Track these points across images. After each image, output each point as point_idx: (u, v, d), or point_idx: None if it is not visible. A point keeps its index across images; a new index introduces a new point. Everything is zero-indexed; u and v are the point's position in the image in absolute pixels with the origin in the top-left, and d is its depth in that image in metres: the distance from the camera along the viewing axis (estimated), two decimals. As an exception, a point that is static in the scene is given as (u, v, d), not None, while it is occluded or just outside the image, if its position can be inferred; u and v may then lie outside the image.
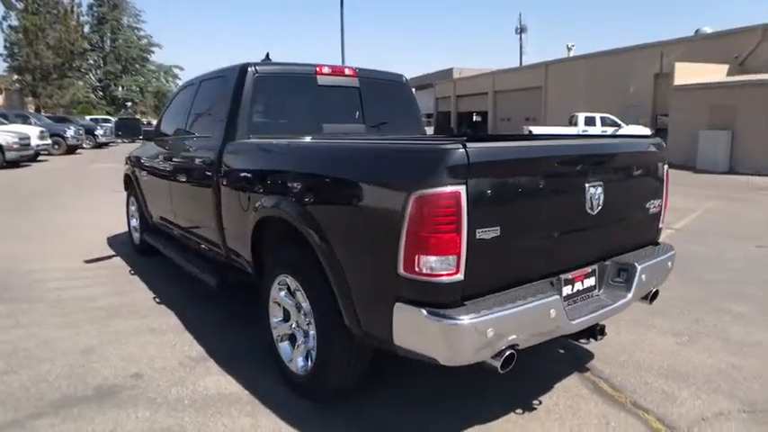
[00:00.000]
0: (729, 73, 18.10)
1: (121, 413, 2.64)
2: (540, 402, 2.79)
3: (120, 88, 53.39)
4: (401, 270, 2.02)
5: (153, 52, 55.64)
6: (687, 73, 17.82)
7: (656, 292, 2.87)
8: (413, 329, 2.07)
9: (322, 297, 2.50)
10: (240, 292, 4.12)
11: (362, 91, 4.10)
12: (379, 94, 4.20)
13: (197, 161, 3.77)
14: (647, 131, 19.38)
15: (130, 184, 5.77)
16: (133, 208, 5.89)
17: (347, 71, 4.04)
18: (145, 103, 53.69)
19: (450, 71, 42.95)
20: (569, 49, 34.79)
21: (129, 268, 5.25)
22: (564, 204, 2.38)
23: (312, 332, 2.70)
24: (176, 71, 57.12)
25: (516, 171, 2.13)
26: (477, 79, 38.84)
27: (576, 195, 2.40)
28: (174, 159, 4.30)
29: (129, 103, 53.42)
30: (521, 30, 47.00)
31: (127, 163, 5.88)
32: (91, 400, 2.76)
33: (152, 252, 5.56)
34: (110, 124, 27.62)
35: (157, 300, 4.32)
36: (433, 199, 1.93)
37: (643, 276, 2.67)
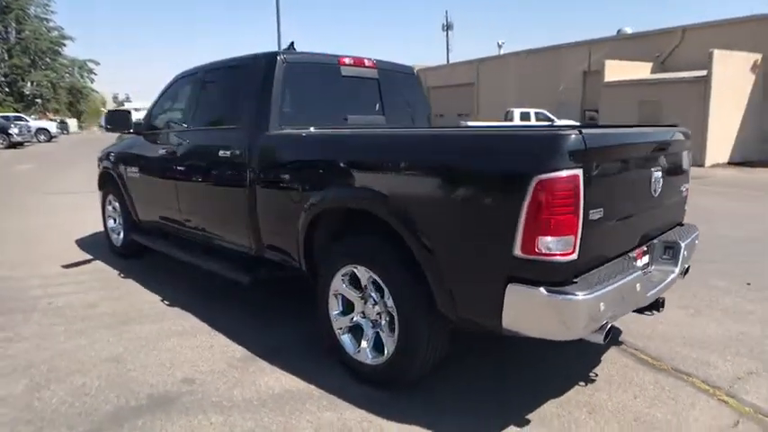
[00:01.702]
0: (653, 71, 19.59)
1: (192, 420, 2.49)
2: (597, 375, 2.94)
3: (30, 84, 48.89)
4: (517, 252, 2.07)
5: (65, 45, 51.44)
6: (615, 70, 19.09)
7: (688, 268, 3.11)
8: (527, 308, 2.12)
9: (408, 285, 2.49)
10: (250, 289, 3.97)
11: (381, 82, 4.09)
12: (394, 85, 4.20)
13: (219, 154, 3.57)
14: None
15: (109, 183, 5.37)
16: (110, 208, 5.49)
17: (367, 62, 4.01)
18: (58, 99, 49.60)
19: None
20: (500, 47, 36.14)
21: (118, 272, 4.90)
22: (640, 187, 2.53)
23: (384, 321, 2.69)
24: (91, 65, 53.32)
25: (616, 155, 2.25)
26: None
27: (647, 179, 2.56)
28: (181, 154, 4.07)
29: (38, 100, 49.07)
30: (447, 27, 48.20)
31: (103, 161, 5.47)
32: (152, 410, 2.58)
33: (135, 254, 5.26)
34: (26, 122, 25.36)
35: (166, 302, 4.08)
36: (554, 182, 1.99)
37: (685, 253, 2.89)
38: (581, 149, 2.03)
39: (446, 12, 67.11)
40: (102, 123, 4.88)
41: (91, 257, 5.41)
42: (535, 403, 2.63)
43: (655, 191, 2.63)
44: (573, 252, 2.06)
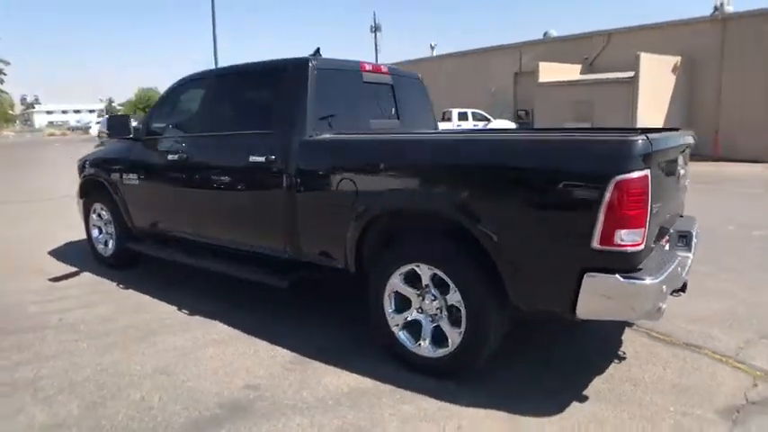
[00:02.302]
0: (582, 72, 20.94)
1: (277, 424, 2.53)
2: (625, 353, 3.26)
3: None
4: (595, 244, 2.31)
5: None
6: (548, 72, 20.23)
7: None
8: (602, 294, 2.37)
9: (476, 281, 2.68)
10: (265, 294, 4.00)
11: (394, 87, 4.23)
12: (404, 90, 4.35)
13: (250, 160, 3.56)
14: (513, 125, 21.64)
15: (97, 191, 5.13)
16: (95, 217, 5.24)
17: (383, 68, 4.14)
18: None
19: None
20: (432, 48, 37.02)
21: (115, 283, 4.70)
22: (672, 183, 2.86)
23: (444, 316, 2.86)
24: (0, 65, 48.81)
25: (666, 156, 2.55)
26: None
27: (677, 175, 2.90)
28: (197, 160, 4.00)
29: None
30: (375, 28, 48.66)
31: (87, 168, 5.21)
32: (230, 418, 2.59)
33: (125, 264, 5.06)
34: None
35: (185, 311, 3.99)
36: (630, 182, 2.25)
37: (695, 240, 3.28)
38: (648, 152, 2.30)
39: (374, 13, 67.57)
40: (103, 128, 4.63)
41: (76, 269, 5.13)
42: (584, 381, 2.91)
43: (678, 185, 2.98)
44: (642, 243, 2.34)
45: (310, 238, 3.40)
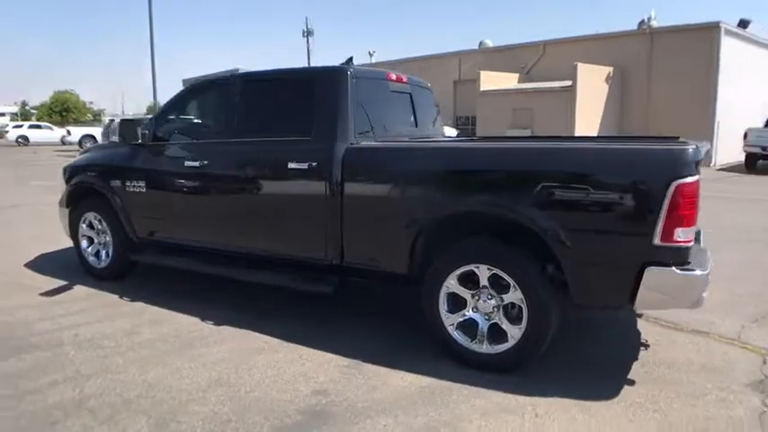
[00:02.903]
0: (519, 81, 21.99)
1: (365, 426, 2.57)
2: (647, 341, 3.58)
3: None
4: (657, 241, 2.57)
5: None
6: (488, 80, 21.09)
7: None
8: (660, 286, 2.63)
9: (539, 279, 2.87)
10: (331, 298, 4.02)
11: (412, 96, 4.37)
12: (418, 98, 4.50)
13: (289, 167, 3.56)
14: (455, 132, 22.38)
15: (89, 199, 4.86)
16: (84, 226, 4.95)
17: (404, 78, 4.27)
18: None
19: (235, 71, 42.41)
20: (371, 55, 37.43)
21: (116, 295, 4.47)
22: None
23: (501, 314, 3.03)
24: None
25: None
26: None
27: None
28: (223, 166, 3.93)
29: None
30: (308, 33, 48.52)
31: (77, 175, 4.93)
32: (315, 425, 2.60)
33: (120, 276, 4.84)
34: None
35: (210, 322, 3.89)
36: (686, 186, 2.53)
37: (703, 238, 3.65)
38: (698, 159, 2.60)
39: (306, 18, 67.07)
40: (117, 133, 4.37)
41: (66, 282, 4.82)
42: (624, 368, 3.18)
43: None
44: (692, 239, 2.63)
45: (356, 243, 3.45)
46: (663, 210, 2.54)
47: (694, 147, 2.60)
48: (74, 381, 3.03)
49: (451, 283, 3.12)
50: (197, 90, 4.36)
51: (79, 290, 4.66)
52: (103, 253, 4.91)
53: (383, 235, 3.32)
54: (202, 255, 4.24)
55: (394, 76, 4.08)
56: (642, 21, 20.52)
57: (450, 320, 3.17)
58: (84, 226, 4.97)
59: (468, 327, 3.14)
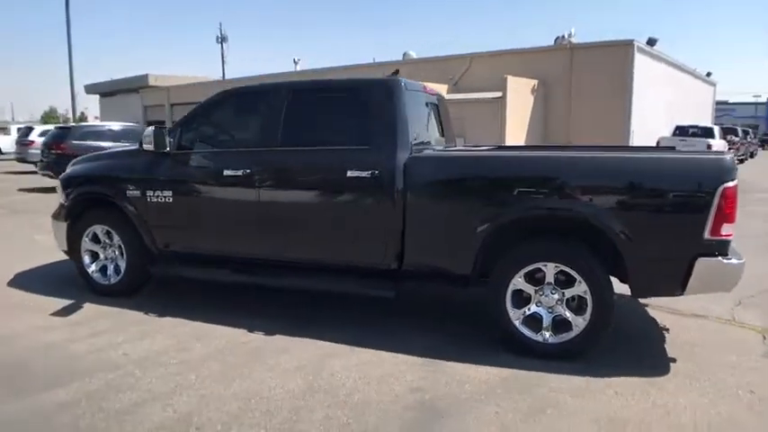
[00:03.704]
0: (448, 91, 22.92)
1: (479, 414, 2.78)
2: (665, 325, 4.07)
3: None
4: (707, 235, 3.03)
5: None
6: (422, 90, 21.79)
7: None
8: (709, 273, 3.08)
9: (603, 273, 3.24)
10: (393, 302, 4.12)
11: (438, 106, 4.63)
12: (442, 109, 4.77)
13: (348, 175, 3.66)
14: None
15: (96, 211, 4.60)
16: (87, 240, 4.66)
17: (433, 90, 4.50)
18: None
19: (145, 77, 40.74)
20: (296, 63, 37.21)
21: (135, 312, 4.26)
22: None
23: (563, 306, 3.37)
24: None
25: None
26: (198, 87, 37.91)
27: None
28: (273, 175, 3.95)
29: None
30: (222, 39, 47.37)
31: (81, 185, 4.65)
32: (433, 417, 2.77)
33: (132, 291, 4.62)
34: None
35: (260, 332, 3.85)
36: (731, 188, 3.01)
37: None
38: (736, 166, 3.09)
39: (220, 24, 65.26)
40: (149, 140, 4.11)
41: (72, 301, 4.51)
42: (658, 348, 3.63)
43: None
44: (732, 234, 3.11)
45: (418, 248, 3.63)
46: (712, 209, 3.01)
47: (731, 156, 3.10)
48: (160, 400, 2.93)
49: (518, 281, 3.41)
50: (231, 98, 4.30)
51: (90, 308, 4.39)
52: (111, 268, 4.66)
53: (449, 239, 3.53)
54: (239, 265, 4.19)
55: (428, 89, 4.31)
56: (558, 37, 22.33)
57: (515, 315, 3.44)
58: (87, 240, 4.68)
59: (533, 320, 3.44)
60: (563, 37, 20.58)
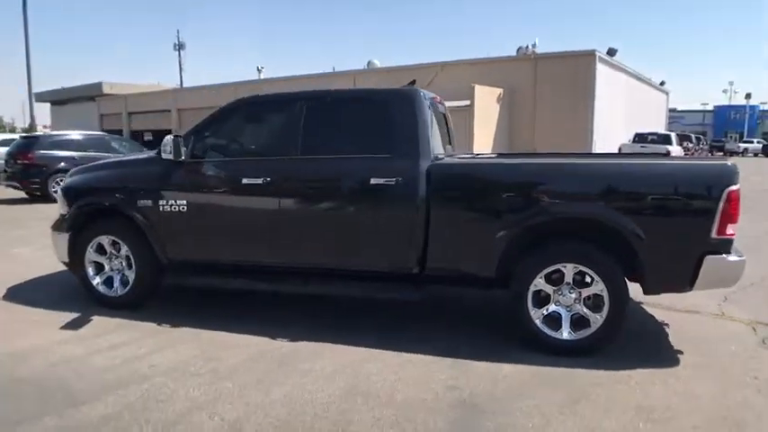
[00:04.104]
0: (417, 100, 23.32)
1: (521, 405, 2.92)
2: (665, 321, 4.33)
3: None
4: (714, 234, 3.30)
5: None
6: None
7: None
8: (715, 270, 3.35)
9: (618, 272, 3.45)
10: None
11: (445, 116, 4.80)
12: (447, 117, 4.93)
13: (371, 182, 3.76)
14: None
15: (102, 221, 4.52)
16: (92, 251, 4.55)
17: (439, 99, 4.67)
18: None
19: (99, 85, 39.79)
20: (259, 71, 36.95)
21: (148, 323, 4.21)
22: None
23: (580, 305, 3.57)
24: None
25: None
26: (155, 96, 37.28)
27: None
28: (295, 183, 4.01)
29: None
30: (179, 46, 46.60)
31: (82, 195, 4.56)
32: (481, 412, 2.91)
33: (139, 303, 4.54)
34: None
35: (284, 340, 3.86)
36: (735, 191, 3.29)
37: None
38: (738, 172, 3.38)
39: (177, 31, 63.81)
40: (169, 149, 4.05)
41: (78, 314, 4.40)
42: (664, 342, 3.89)
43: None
44: (735, 233, 3.39)
45: (442, 252, 3.76)
46: (719, 210, 3.28)
47: (733, 162, 3.39)
48: (204, 409, 2.94)
49: (539, 282, 3.59)
50: (246, 107, 4.33)
51: (100, 320, 4.30)
52: (117, 279, 4.58)
53: (472, 243, 3.68)
54: (258, 273, 4.22)
55: (438, 98, 4.47)
56: (520, 47, 23.09)
57: (536, 315, 3.62)
58: (91, 251, 4.58)
59: (551, 319, 3.63)
60: (527, 47, 21.29)
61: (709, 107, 57.67)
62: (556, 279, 3.60)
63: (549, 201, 3.55)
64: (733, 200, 3.29)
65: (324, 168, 4.02)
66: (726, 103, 58.17)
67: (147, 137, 33.96)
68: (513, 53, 22.42)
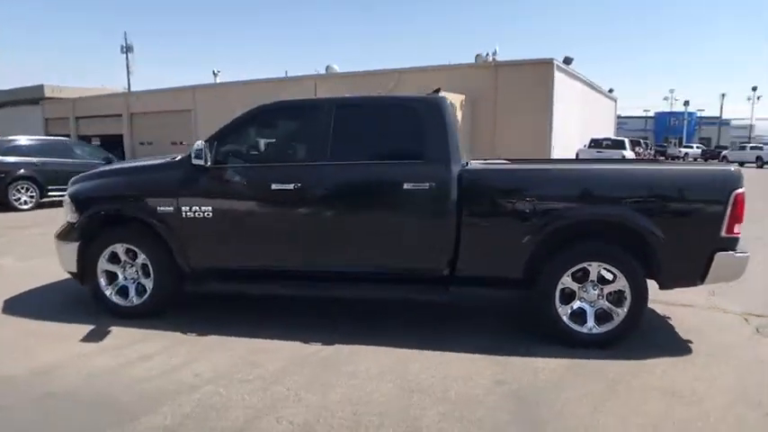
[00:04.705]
0: (380, 105, 23.54)
1: (572, 393, 3.12)
2: (666, 315, 4.67)
3: None
4: (723, 233, 3.63)
5: None
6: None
7: None
8: (725, 266, 3.69)
9: (638, 269, 3.73)
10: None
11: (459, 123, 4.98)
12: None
13: (405, 187, 3.88)
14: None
15: (117, 229, 4.41)
16: (104, 260, 4.42)
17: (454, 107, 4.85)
18: None
19: (40, 88, 38.11)
20: (215, 75, 36.22)
21: (171, 332, 4.14)
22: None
23: (603, 300, 3.83)
24: None
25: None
26: (105, 100, 35.88)
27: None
28: (327, 188, 4.07)
29: None
30: (127, 49, 44.96)
31: (94, 202, 4.45)
32: (533, 401, 3.09)
33: (158, 313, 4.46)
34: None
35: (317, 343, 3.91)
36: (741, 194, 3.64)
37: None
38: (742, 176, 3.74)
39: (125, 33, 61.26)
40: (203, 154, 3.99)
41: (93, 326, 4.26)
42: (671, 334, 4.21)
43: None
44: (740, 232, 3.75)
45: (472, 254, 3.92)
46: (727, 211, 3.62)
47: (738, 167, 3.76)
48: (267, 414, 2.96)
49: (566, 280, 3.82)
50: (271, 113, 4.35)
51: (121, 331, 4.17)
52: (132, 289, 4.47)
53: (502, 245, 3.87)
54: (283, 278, 4.25)
55: (455, 103, 4.65)
56: (478, 54, 23.79)
57: (563, 311, 3.85)
58: (104, 260, 4.45)
59: (576, 314, 3.87)
60: (487, 54, 21.98)
61: (651, 114, 61.35)
62: (580, 277, 3.85)
63: (576, 204, 3.79)
64: (739, 202, 3.64)
65: (356, 173, 4.10)
66: (667, 109, 62.10)
67: (96, 142, 32.53)
68: (472, 61, 23.13)
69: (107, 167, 4.92)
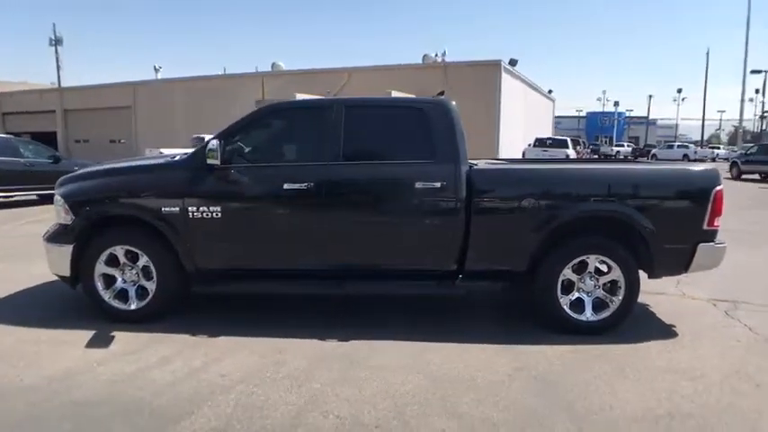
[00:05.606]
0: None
1: (590, 374, 3.37)
2: (645, 303, 5.05)
3: None
4: (705, 226, 4.04)
5: None
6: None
7: None
8: (706, 255, 4.10)
9: (631, 260, 4.07)
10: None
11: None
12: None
13: (416, 186, 4.02)
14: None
15: (116, 231, 4.27)
16: (102, 264, 4.27)
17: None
18: None
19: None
20: (157, 71, 34.73)
21: (187, 335, 4.07)
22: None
23: (599, 290, 4.15)
24: None
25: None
26: (36, 95, 33.56)
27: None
28: (340, 188, 4.15)
29: None
30: (56, 41, 42.16)
31: (93, 203, 4.27)
32: (556, 382, 3.32)
33: (160, 316, 4.36)
34: None
35: (333, 341, 3.99)
36: (720, 191, 4.06)
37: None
38: (720, 175, 4.17)
39: (54, 24, 57.17)
40: (217, 154, 3.88)
41: (94, 330, 4.12)
42: (654, 320, 4.60)
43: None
44: (720, 225, 4.17)
45: (480, 249, 4.12)
46: (709, 206, 4.03)
47: (716, 167, 4.19)
48: (312, 409, 3.02)
49: (567, 272, 4.11)
50: (280, 113, 4.34)
51: (127, 336, 4.05)
52: (132, 292, 4.34)
53: (510, 240, 4.10)
54: (293, 277, 4.28)
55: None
56: (425, 55, 24.28)
57: (564, 301, 4.13)
58: (102, 263, 4.28)
59: (576, 304, 4.16)
60: (436, 55, 22.47)
61: (583, 113, 64.81)
62: (578, 269, 4.15)
63: (577, 201, 4.08)
64: (719, 197, 4.06)
65: (368, 173, 4.19)
66: (600, 109, 65.84)
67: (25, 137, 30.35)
68: (419, 61, 23.55)
69: (100, 167, 4.70)
